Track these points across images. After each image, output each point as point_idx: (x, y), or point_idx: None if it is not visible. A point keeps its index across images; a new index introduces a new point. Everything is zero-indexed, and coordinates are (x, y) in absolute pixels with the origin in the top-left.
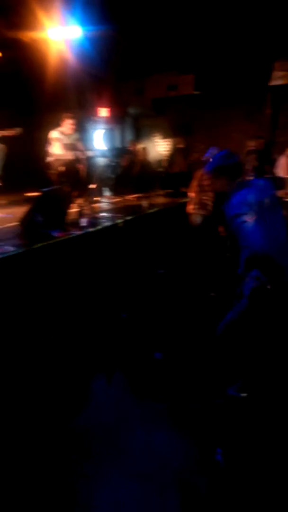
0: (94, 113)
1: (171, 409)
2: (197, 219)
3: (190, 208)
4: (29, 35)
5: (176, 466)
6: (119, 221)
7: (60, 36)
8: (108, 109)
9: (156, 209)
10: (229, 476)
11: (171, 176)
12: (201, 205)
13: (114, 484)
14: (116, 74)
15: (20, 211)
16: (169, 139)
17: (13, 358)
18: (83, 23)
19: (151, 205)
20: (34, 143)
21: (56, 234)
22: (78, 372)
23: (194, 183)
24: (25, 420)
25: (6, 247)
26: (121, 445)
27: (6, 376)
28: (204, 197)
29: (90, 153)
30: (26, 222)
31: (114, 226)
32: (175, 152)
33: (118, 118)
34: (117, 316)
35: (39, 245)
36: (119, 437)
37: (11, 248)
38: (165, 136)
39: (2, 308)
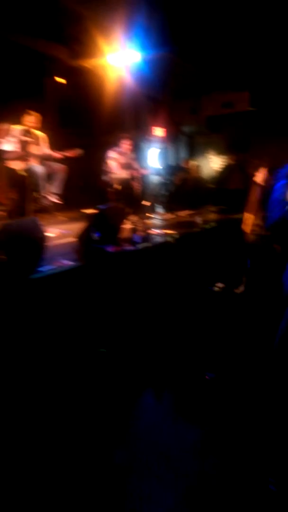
0: (150, 133)
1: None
2: (253, 236)
3: (247, 225)
4: (90, 62)
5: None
6: (171, 237)
7: (119, 61)
8: (163, 128)
9: (209, 225)
10: None
11: (225, 192)
12: (258, 223)
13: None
14: (172, 94)
15: (78, 227)
16: (224, 156)
17: (65, 369)
18: (141, 48)
19: (204, 221)
20: (92, 163)
21: (110, 249)
22: (127, 386)
23: (252, 201)
24: (73, 432)
25: (64, 261)
26: (173, 465)
27: (58, 386)
28: (261, 216)
29: (145, 172)
30: (83, 237)
31: (166, 242)
32: (230, 169)
33: (173, 137)
34: (168, 331)
35: (93, 260)
36: (170, 457)
37: (69, 263)
38: (220, 153)
39: (58, 319)
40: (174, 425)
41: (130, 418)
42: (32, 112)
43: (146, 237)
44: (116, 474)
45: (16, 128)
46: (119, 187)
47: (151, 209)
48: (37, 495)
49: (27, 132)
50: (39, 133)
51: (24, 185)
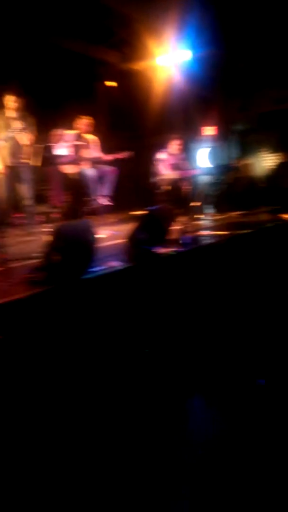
0: (200, 132)
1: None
2: None
3: None
4: (140, 64)
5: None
6: (221, 239)
7: (169, 61)
8: (214, 127)
9: (262, 226)
10: None
11: (278, 191)
12: None
13: None
14: (223, 92)
15: (127, 228)
16: (277, 154)
17: (112, 369)
18: (191, 46)
19: (256, 222)
20: (141, 164)
21: (159, 251)
22: (175, 389)
23: None
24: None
25: (114, 262)
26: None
27: (105, 385)
28: None
29: (194, 172)
30: (132, 239)
31: (216, 244)
32: (284, 167)
33: (224, 135)
34: (218, 334)
35: (143, 261)
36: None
37: (118, 263)
38: (272, 151)
39: (108, 320)
40: (222, 431)
41: (177, 422)
42: (83, 117)
43: (196, 239)
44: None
45: (69, 133)
46: (168, 188)
47: (201, 210)
48: (101, 490)
49: (79, 137)
50: (90, 136)
51: (76, 188)
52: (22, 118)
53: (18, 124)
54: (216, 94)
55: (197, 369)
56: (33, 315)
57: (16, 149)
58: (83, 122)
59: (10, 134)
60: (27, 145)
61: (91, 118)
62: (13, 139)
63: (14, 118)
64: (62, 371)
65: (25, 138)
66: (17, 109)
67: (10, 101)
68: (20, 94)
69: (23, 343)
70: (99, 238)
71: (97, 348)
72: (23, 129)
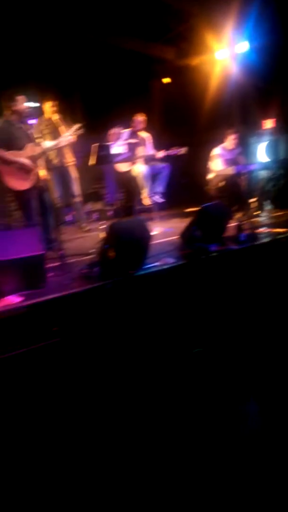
0: (258, 125)
1: None
2: None
3: None
4: (197, 59)
5: None
6: (281, 236)
7: (227, 54)
8: (273, 119)
9: None
10: None
11: None
12: None
13: None
14: (283, 84)
15: (181, 225)
16: None
17: (162, 367)
18: (250, 38)
19: None
20: (196, 160)
21: (213, 248)
22: (225, 391)
23: None
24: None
25: (167, 259)
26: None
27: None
28: None
29: (252, 167)
30: (186, 236)
31: (275, 241)
32: None
33: (283, 128)
34: (274, 337)
35: (197, 258)
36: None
37: (171, 260)
38: None
39: (160, 317)
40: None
41: (230, 426)
42: (139, 115)
43: (253, 236)
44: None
45: (125, 132)
46: (224, 184)
47: (259, 206)
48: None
49: (133, 134)
50: (144, 134)
51: (130, 185)
52: (65, 121)
53: (62, 127)
54: (275, 85)
55: (253, 372)
56: (87, 309)
57: (61, 150)
58: (138, 120)
59: (58, 141)
60: (71, 146)
61: (146, 115)
62: (56, 142)
63: (58, 121)
64: (113, 365)
65: (70, 140)
66: (60, 113)
67: (52, 105)
68: (68, 96)
69: (77, 336)
70: (152, 235)
71: (148, 344)
72: (67, 131)
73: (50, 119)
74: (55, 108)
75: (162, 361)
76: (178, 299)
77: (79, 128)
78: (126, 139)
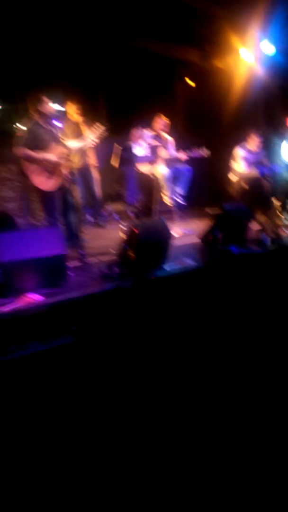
0: (283, 126)
1: None
2: None
3: None
4: (221, 61)
5: None
6: None
7: (252, 56)
8: None
9: None
10: None
11: None
12: None
13: None
14: None
15: (202, 227)
16: None
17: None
18: (275, 39)
19: None
20: (218, 162)
21: (235, 251)
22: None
23: None
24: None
25: (187, 261)
26: None
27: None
28: None
29: (276, 168)
30: (206, 238)
31: None
32: None
33: None
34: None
35: (218, 260)
36: None
37: (191, 262)
38: None
39: (179, 320)
40: None
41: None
42: (161, 116)
43: (276, 239)
44: None
45: (147, 133)
46: (247, 186)
47: (283, 208)
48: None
49: (156, 136)
50: (167, 136)
51: (152, 187)
52: (89, 123)
53: (85, 129)
54: None
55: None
56: (106, 309)
57: (84, 152)
58: (161, 121)
59: (83, 142)
60: (94, 148)
61: (169, 116)
62: (81, 143)
63: (82, 124)
64: (129, 365)
65: (92, 142)
66: (84, 116)
67: (77, 108)
68: (92, 98)
69: (96, 335)
70: (173, 236)
71: (165, 345)
72: (92, 134)
73: (75, 121)
74: (79, 111)
75: (176, 363)
76: (197, 302)
77: (103, 131)
78: (149, 141)
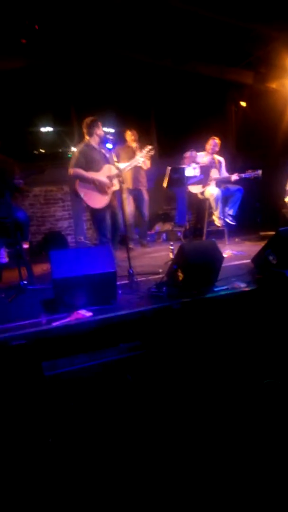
0: None
1: None
2: None
3: None
4: (276, 82)
5: None
6: None
7: None
8: None
9: None
10: None
11: None
12: None
13: None
14: None
15: (253, 249)
16: None
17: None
18: None
19: None
20: (271, 184)
21: None
22: None
23: None
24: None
25: (237, 283)
26: None
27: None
28: None
29: None
30: (259, 260)
31: None
32: None
33: None
34: None
35: (271, 283)
36: None
37: (242, 285)
38: None
39: (228, 342)
40: None
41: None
42: (214, 137)
43: None
44: None
45: (199, 154)
46: None
47: None
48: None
49: (208, 157)
50: (218, 157)
51: (202, 207)
52: (141, 148)
53: (138, 153)
54: None
55: None
56: (155, 328)
57: (136, 174)
58: (213, 142)
59: (132, 162)
60: (144, 171)
61: (221, 138)
62: (134, 166)
63: (135, 149)
64: (176, 385)
65: (144, 165)
66: (137, 141)
67: (132, 134)
68: (144, 120)
69: (144, 354)
70: (223, 257)
71: (214, 365)
72: (142, 157)
73: (130, 146)
74: (134, 137)
75: (225, 386)
76: (247, 324)
77: (150, 150)
78: (200, 162)
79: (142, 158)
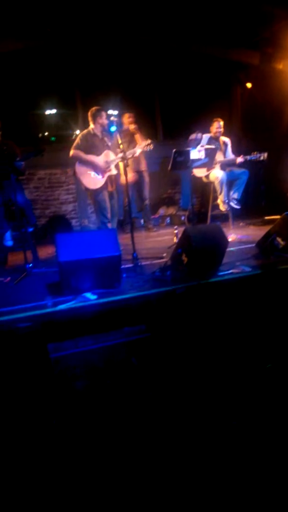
0: None
1: None
2: None
3: None
4: (282, 63)
5: None
6: None
7: None
8: None
9: None
10: None
11: None
12: None
13: None
14: None
15: (258, 233)
16: None
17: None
18: None
19: None
20: (276, 167)
21: None
22: None
23: None
24: None
25: (242, 267)
26: None
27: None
28: None
29: None
30: (263, 244)
31: None
32: None
33: None
34: None
35: (276, 268)
36: None
37: (247, 269)
38: None
39: (230, 326)
40: None
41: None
42: (219, 120)
43: None
44: None
45: (204, 137)
46: None
47: None
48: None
49: (213, 140)
50: (224, 139)
51: (206, 191)
52: (141, 130)
53: (137, 135)
54: None
55: None
56: (159, 312)
57: (137, 158)
58: (217, 125)
59: (132, 145)
60: (145, 154)
61: (226, 120)
62: (134, 151)
63: (134, 131)
64: (178, 369)
65: (143, 149)
66: (136, 123)
67: (129, 117)
68: (148, 103)
69: (147, 337)
70: (228, 241)
71: (218, 349)
72: (139, 145)
73: (127, 129)
74: (131, 119)
75: (229, 369)
76: (252, 310)
77: (149, 145)
78: (205, 145)
79: (140, 150)
